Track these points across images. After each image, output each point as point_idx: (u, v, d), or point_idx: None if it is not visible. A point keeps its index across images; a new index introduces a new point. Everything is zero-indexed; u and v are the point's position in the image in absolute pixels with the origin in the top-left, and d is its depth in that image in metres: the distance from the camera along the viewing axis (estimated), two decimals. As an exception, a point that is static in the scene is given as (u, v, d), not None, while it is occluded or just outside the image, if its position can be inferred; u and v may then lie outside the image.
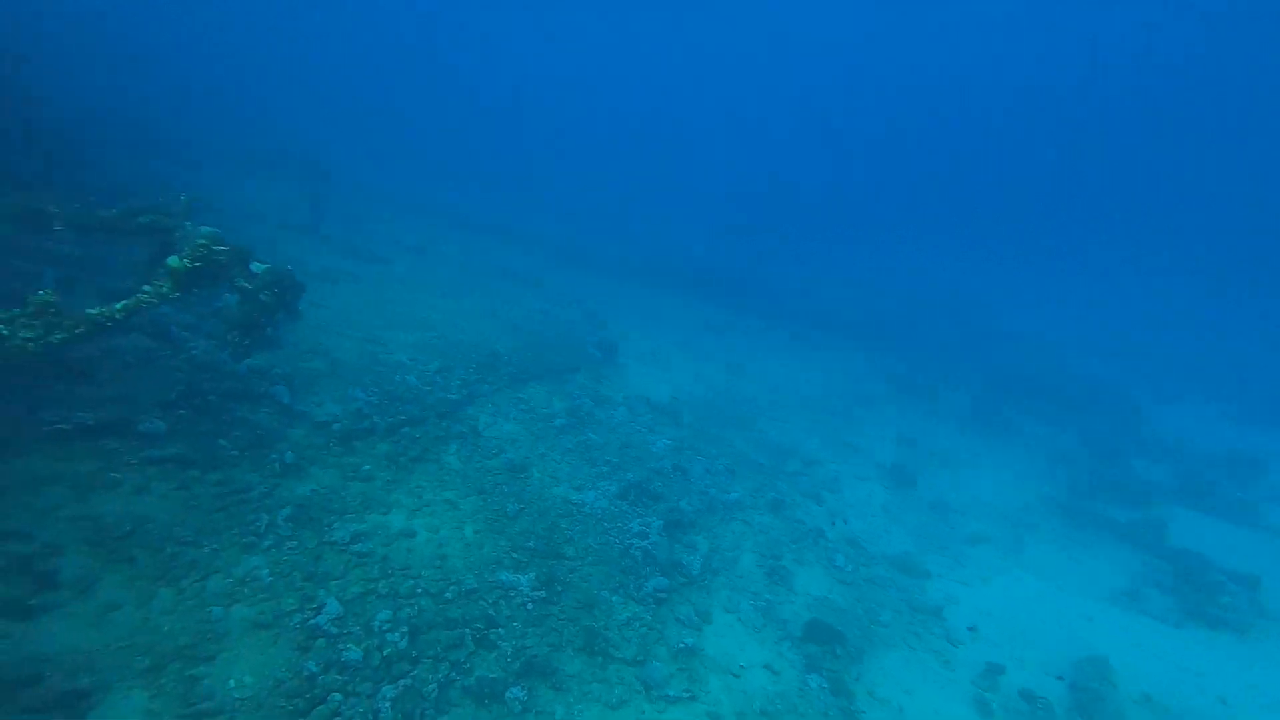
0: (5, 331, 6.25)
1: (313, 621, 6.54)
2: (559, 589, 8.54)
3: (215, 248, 8.08)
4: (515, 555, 8.78)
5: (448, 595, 7.68)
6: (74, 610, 5.73)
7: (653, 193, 56.80)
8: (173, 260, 7.51)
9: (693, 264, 35.78)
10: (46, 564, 5.97)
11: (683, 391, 17.59)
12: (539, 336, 17.03)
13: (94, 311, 6.80)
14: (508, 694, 6.77)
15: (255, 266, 8.65)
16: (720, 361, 22.19)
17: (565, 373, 15.24)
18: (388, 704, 6.04)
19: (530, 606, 8.05)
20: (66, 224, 8.67)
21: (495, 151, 55.16)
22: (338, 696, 5.91)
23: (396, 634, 6.78)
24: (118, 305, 6.98)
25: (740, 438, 16.12)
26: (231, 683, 5.68)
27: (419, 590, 7.57)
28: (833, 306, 35.73)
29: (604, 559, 9.46)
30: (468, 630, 7.30)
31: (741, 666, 8.63)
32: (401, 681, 6.35)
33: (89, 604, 5.83)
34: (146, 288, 7.32)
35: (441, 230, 26.58)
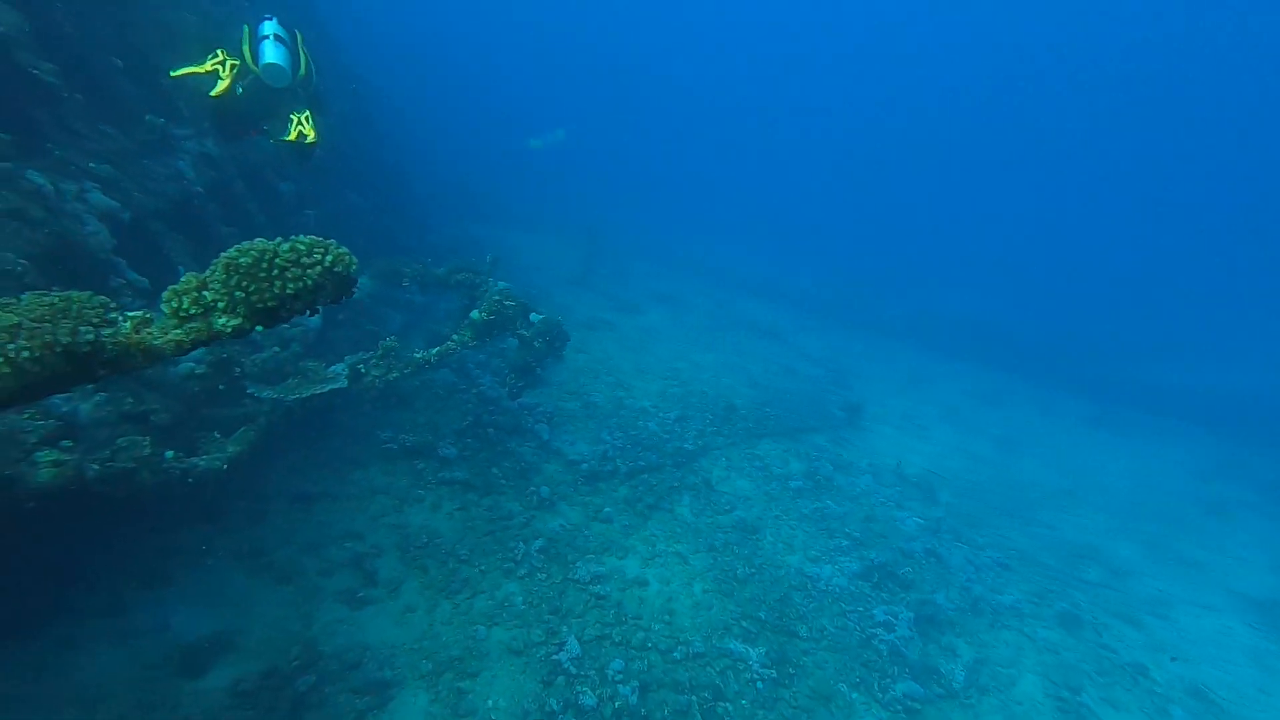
0: (362, 369, 8.11)
1: (555, 657, 7.06)
2: (791, 671, 7.99)
3: (506, 303, 9.55)
4: (745, 624, 8.48)
5: (676, 655, 7.69)
6: (386, 607, 7.02)
7: (918, 241, 52.87)
8: (474, 314, 9.07)
9: (962, 319, 32.07)
10: (372, 563, 7.45)
11: (940, 465, 15.63)
12: (779, 392, 16.73)
13: (418, 355, 8.51)
14: (733, 781, 6.45)
15: (533, 317, 9.99)
16: (991, 435, 19.32)
17: (804, 432, 14.66)
18: (616, 760, 6.17)
19: (760, 686, 7.65)
20: (413, 280, 11.06)
21: (744, 196, 56.74)
22: (574, 741, 6.22)
23: (628, 687, 6.96)
24: (433, 351, 8.64)
25: (1015, 529, 13.67)
26: (490, 702, 6.36)
27: (649, 644, 7.71)
28: (1155, 377, 28.86)
29: (842, 646, 8.64)
30: (695, 698, 7.19)
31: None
32: (631, 740, 6.46)
33: (395, 603, 7.10)
34: (455, 336, 8.94)
35: (691, 281, 27.83)
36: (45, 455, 4.74)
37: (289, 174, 11.65)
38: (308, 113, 6.62)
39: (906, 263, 44.20)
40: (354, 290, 3.00)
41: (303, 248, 2.65)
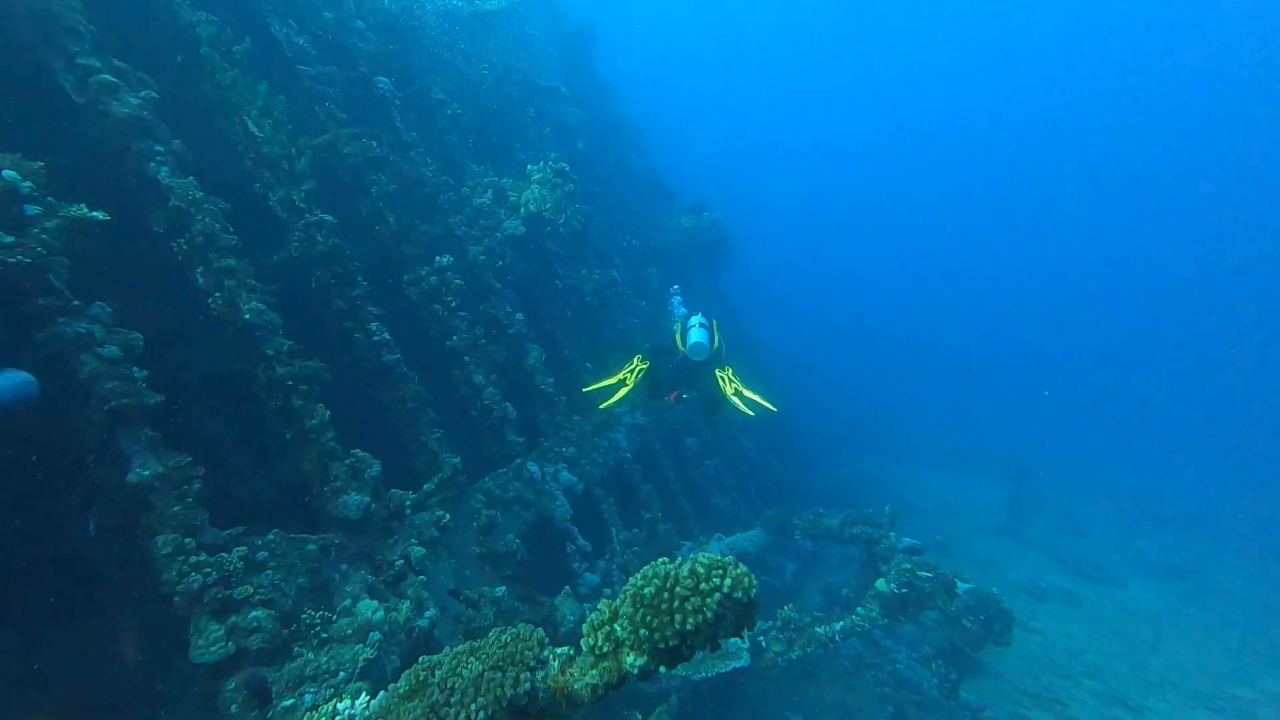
0: (763, 643, 7.88)
1: None
2: None
3: (920, 575, 8.39)
4: None
5: None
6: None
7: None
8: (881, 585, 8.19)
9: None
10: None
11: None
12: None
13: (820, 631, 7.93)
14: None
15: (961, 586, 8.51)
16: None
17: None
18: None
19: None
20: (804, 533, 10.93)
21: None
22: None
23: None
24: (837, 626, 7.95)
25: None
26: None
27: None
28: None
29: None
30: None
31: None
32: None
33: None
34: (860, 610, 8.14)
35: (1206, 544, 19.37)
36: None
37: (695, 430, 13.52)
38: (730, 369, 7.72)
39: None
40: (754, 621, 2.83)
41: (701, 570, 2.66)
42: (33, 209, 3.37)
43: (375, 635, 4.29)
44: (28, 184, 3.32)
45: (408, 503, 5.72)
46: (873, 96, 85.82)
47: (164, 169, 4.82)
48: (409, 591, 5.16)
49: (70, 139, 4.89)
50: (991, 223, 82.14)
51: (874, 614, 7.87)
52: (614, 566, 8.57)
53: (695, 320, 8.31)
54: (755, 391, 7.30)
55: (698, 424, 13.32)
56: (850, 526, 10.25)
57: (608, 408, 7.76)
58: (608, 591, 8.15)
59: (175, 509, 3.89)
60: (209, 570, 3.83)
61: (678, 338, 8.37)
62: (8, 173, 3.22)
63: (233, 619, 3.84)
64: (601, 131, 15.91)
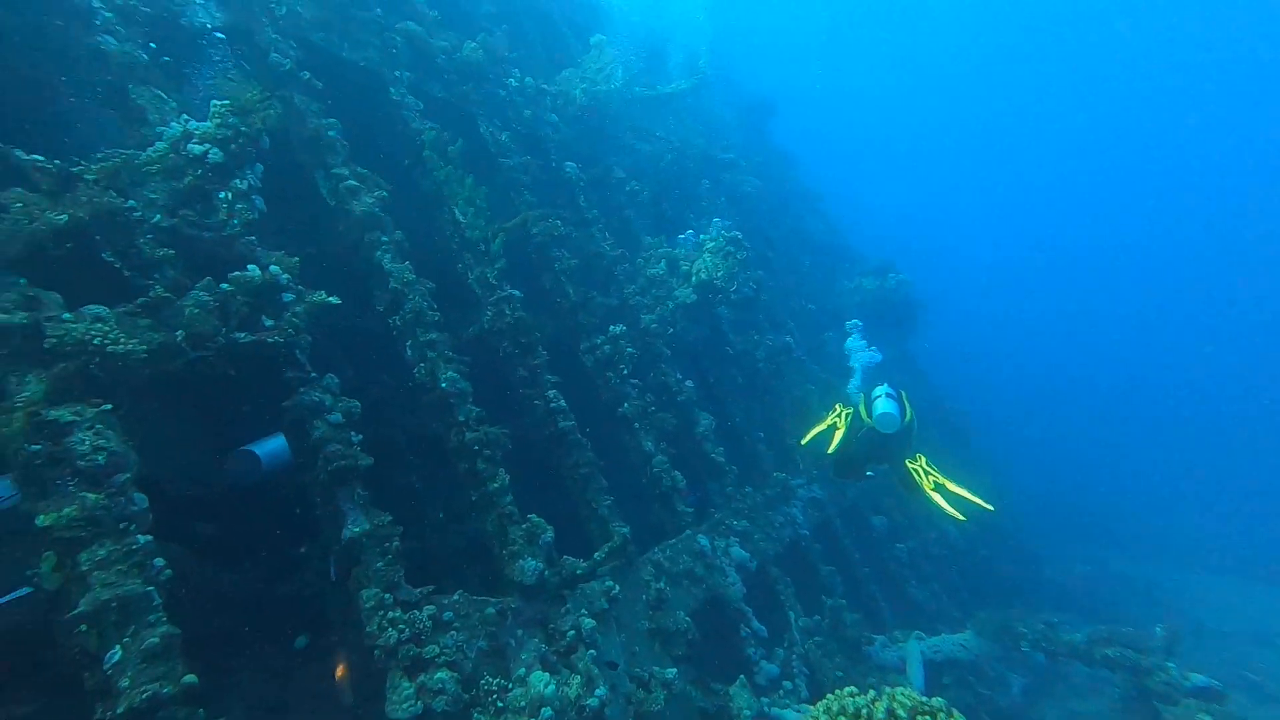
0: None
1: None
2: None
3: None
4: None
5: None
6: None
7: None
8: None
9: None
10: None
11: None
12: None
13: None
14: None
15: None
16: None
17: None
18: None
19: None
20: (1033, 645, 9.24)
21: None
22: None
23: None
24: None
25: None
26: None
27: None
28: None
29: None
30: None
31: None
32: None
33: None
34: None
35: None
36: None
37: (882, 506, 12.32)
38: (924, 458, 6.97)
39: None
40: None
41: (903, 714, 2.21)
42: (288, 297, 4.00)
43: (547, 711, 4.26)
44: (285, 276, 3.97)
45: (578, 570, 5.74)
46: (1075, 132, 77.40)
47: (387, 256, 5.56)
48: (580, 665, 5.11)
49: (326, 234, 5.86)
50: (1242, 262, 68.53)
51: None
52: (794, 656, 7.90)
53: (882, 390, 7.71)
54: (960, 483, 6.36)
55: (885, 501, 12.18)
56: (1102, 646, 8.43)
57: (829, 456, 7.39)
58: (787, 684, 7.49)
59: (379, 565, 4.24)
60: (403, 627, 4.08)
61: (862, 409, 7.77)
62: (273, 268, 3.87)
63: (421, 678, 4.02)
64: (778, 198, 15.96)
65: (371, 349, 6.21)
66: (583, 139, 9.93)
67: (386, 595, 4.14)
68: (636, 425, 7.94)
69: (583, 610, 5.59)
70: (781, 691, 7.36)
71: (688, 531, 7.70)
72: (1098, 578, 17.34)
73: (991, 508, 5.91)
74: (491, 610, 4.87)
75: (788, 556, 9.26)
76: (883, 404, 7.41)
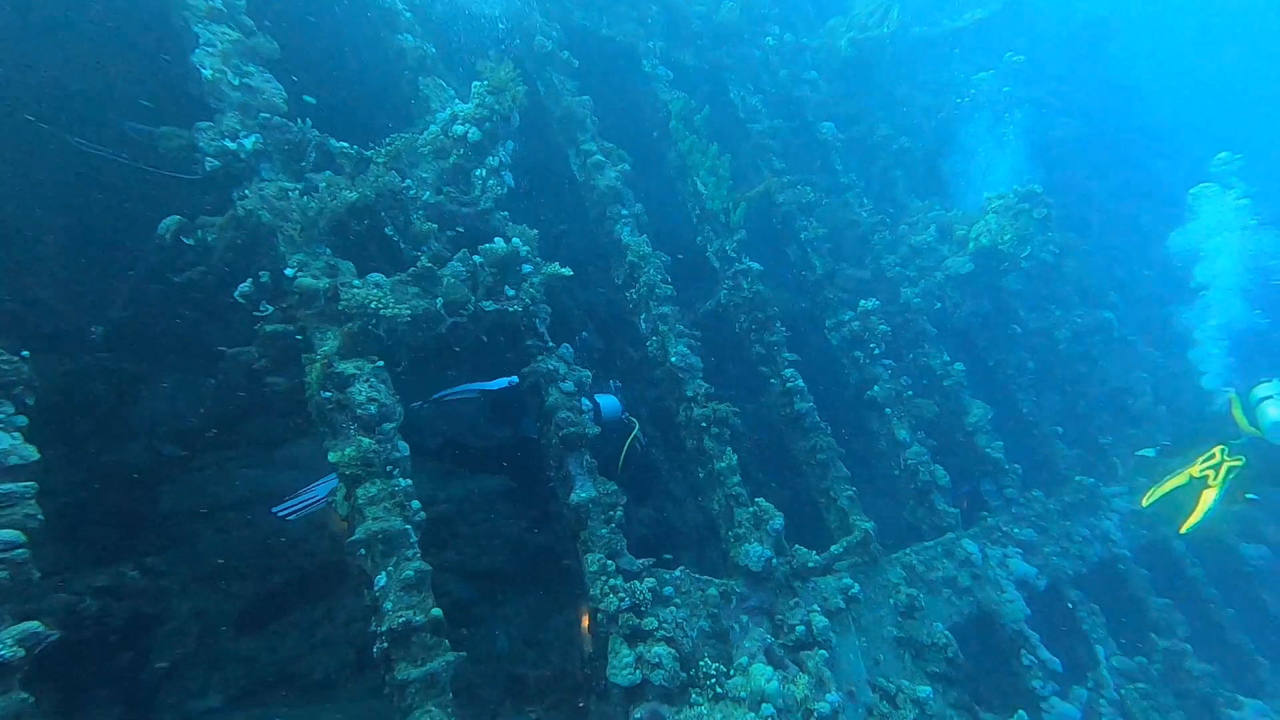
0: None
1: None
2: None
3: None
4: None
5: None
6: None
7: None
8: None
9: None
10: None
11: None
12: None
13: None
14: None
15: None
16: None
17: None
18: None
19: None
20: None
21: None
22: None
23: None
24: None
25: None
26: None
27: None
28: None
29: None
30: None
31: None
32: None
33: None
34: None
35: None
36: None
37: (1261, 533, 9.04)
38: None
39: None
40: None
41: None
42: (527, 268, 4.19)
43: (769, 709, 3.88)
44: (525, 248, 4.15)
45: (810, 563, 5.18)
46: None
47: (625, 229, 5.58)
48: (809, 664, 4.60)
49: (575, 208, 6.15)
50: None
51: None
52: (1101, 699, 6.27)
53: (1272, 389, 6.08)
54: None
55: (1269, 528, 8.94)
56: None
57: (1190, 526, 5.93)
58: (1093, 732, 5.97)
59: (602, 531, 4.27)
60: (624, 595, 4.04)
61: (1237, 414, 6.30)
62: (515, 240, 4.07)
63: (640, 648, 3.96)
64: (1108, 142, 12.67)
65: (622, 323, 6.37)
66: (847, 96, 8.92)
67: (610, 562, 4.14)
68: (888, 411, 6.95)
69: (815, 606, 5.03)
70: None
71: (951, 535, 6.53)
72: None
73: None
74: (714, 591, 4.61)
75: (1095, 580, 7.36)
76: (1277, 407, 5.94)
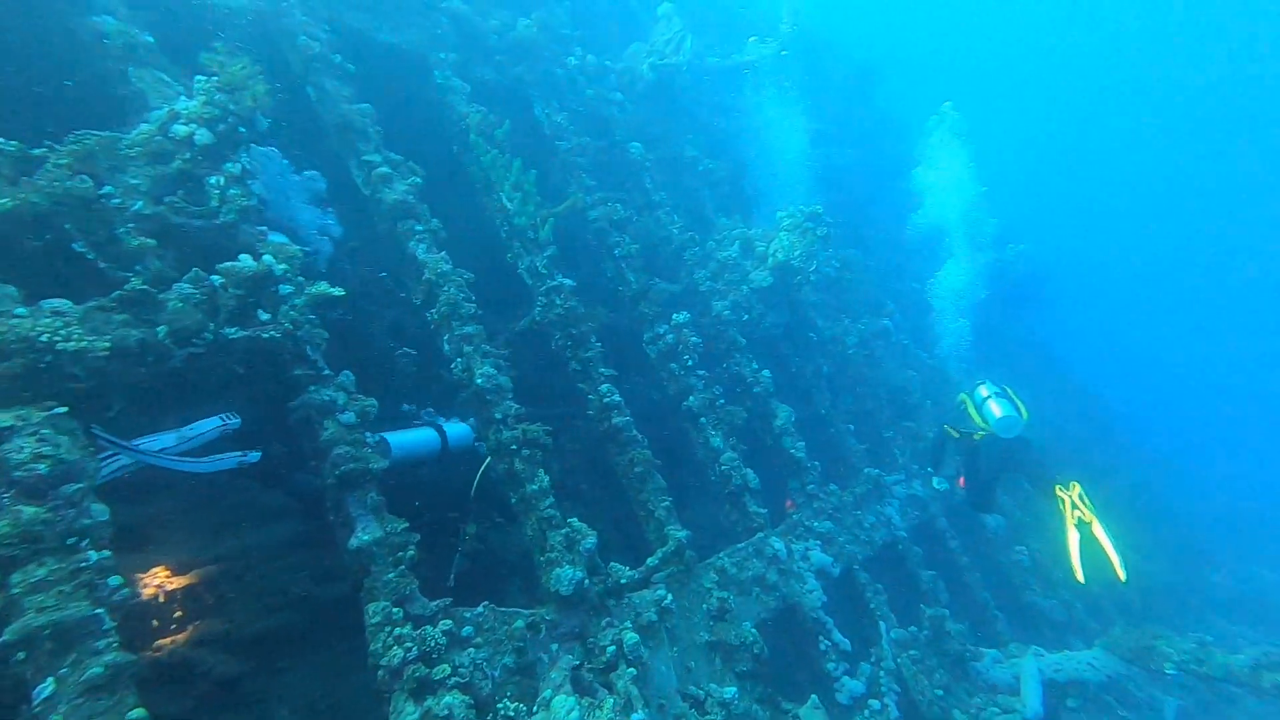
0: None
1: None
2: None
3: None
4: None
5: None
6: None
7: None
8: None
9: None
10: None
11: None
12: None
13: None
14: None
15: None
16: None
17: None
18: None
19: None
20: (1181, 667, 7.51)
21: None
22: None
23: None
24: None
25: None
26: None
27: None
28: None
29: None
30: None
31: None
32: None
33: None
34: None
35: None
36: None
37: (1000, 505, 10.62)
38: (1080, 487, 6.10)
39: None
40: None
41: None
42: (286, 288, 3.61)
43: (564, 743, 3.63)
44: (282, 266, 3.58)
45: (623, 579, 5.07)
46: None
47: (421, 246, 5.12)
48: (618, 685, 4.45)
49: (363, 224, 5.55)
50: None
51: None
52: (882, 672, 6.80)
53: (990, 389, 6.98)
54: (1112, 532, 5.38)
55: (1004, 499, 10.52)
56: (1272, 671, 6.71)
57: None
58: (874, 704, 6.43)
59: (389, 575, 3.79)
60: (410, 645, 3.60)
61: (972, 413, 7.12)
62: (267, 258, 3.49)
63: (429, 701, 3.53)
64: (881, 170, 14.26)
65: (414, 345, 5.85)
66: (653, 118, 9.13)
67: (395, 610, 3.67)
68: (703, 420, 7.12)
69: (627, 623, 4.92)
70: (868, 712, 6.33)
71: (760, 534, 6.80)
72: (1270, 581, 14.45)
73: (1124, 577, 4.64)
74: (520, 624, 4.31)
75: (880, 561, 8.08)
76: (1001, 404, 6.76)
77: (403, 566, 3.82)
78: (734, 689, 5.17)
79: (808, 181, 9.49)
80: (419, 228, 5.20)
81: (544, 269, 6.27)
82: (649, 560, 5.60)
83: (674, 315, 7.32)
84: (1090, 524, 5.60)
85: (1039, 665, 7.60)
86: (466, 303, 5.20)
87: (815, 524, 7.51)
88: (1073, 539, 5.47)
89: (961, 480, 7.48)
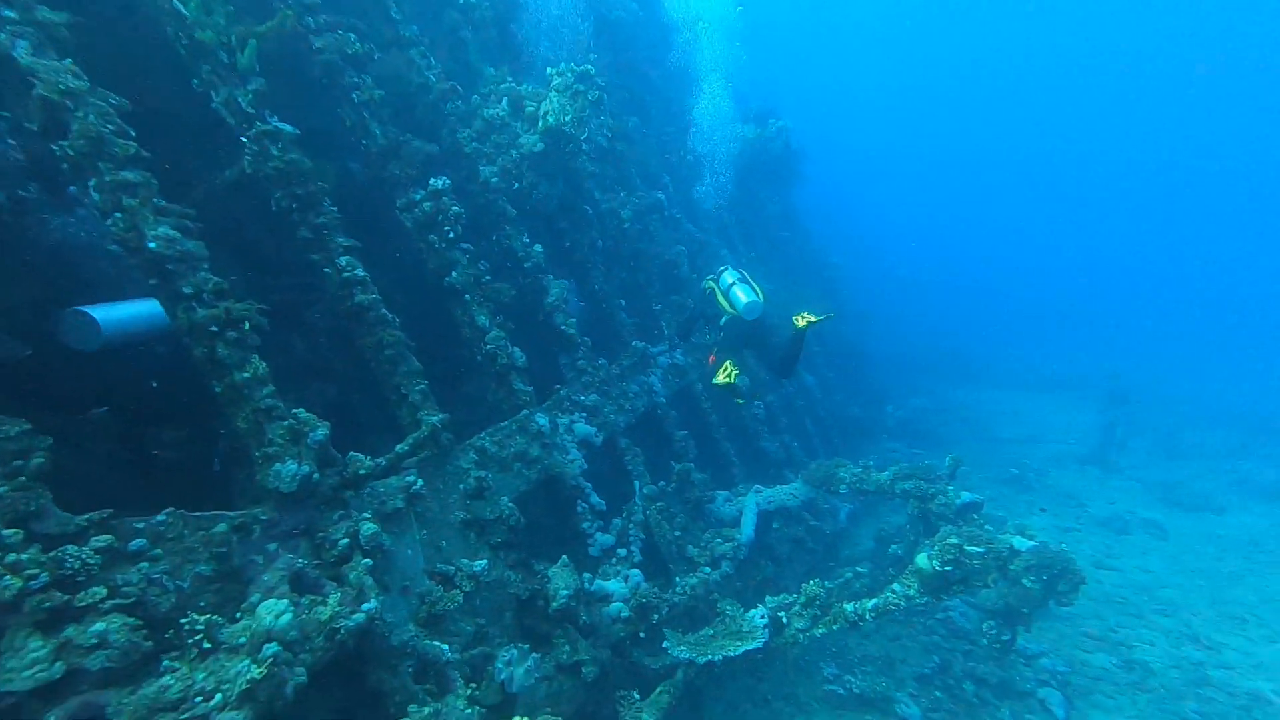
0: (784, 618, 6.67)
1: None
2: None
3: (969, 549, 6.81)
4: None
5: None
6: None
7: None
8: (921, 560, 6.68)
9: None
10: None
11: None
12: None
13: (849, 608, 6.56)
14: None
15: (1019, 543, 6.92)
16: None
17: None
18: None
19: None
20: (850, 487, 9.38)
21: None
22: None
23: None
24: (869, 605, 6.56)
25: None
26: None
27: None
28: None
29: None
30: None
31: None
32: None
33: None
34: (896, 587, 6.72)
35: None
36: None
37: (748, 367, 11.92)
38: (730, 361, 7.65)
39: None
40: None
41: None
42: None
43: (272, 648, 3.27)
44: None
45: (362, 470, 4.64)
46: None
47: (21, 44, 3.56)
48: (351, 577, 4.17)
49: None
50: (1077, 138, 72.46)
51: (912, 592, 6.44)
52: (631, 525, 7.42)
53: (733, 277, 7.58)
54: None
55: (752, 362, 11.81)
56: (901, 481, 8.64)
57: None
58: (621, 552, 7.06)
59: (2, 490, 2.90)
60: (36, 570, 2.84)
61: (719, 298, 7.67)
62: None
63: (70, 630, 2.88)
64: (664, 28, 13.40)
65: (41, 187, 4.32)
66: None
67: (9, 531, 2.84)
68: (468, 297, 6.59)
69: (366, 513, 4.58)
70: (614, 560, 6.95)
71: (524, 412, 6.72)
72: (930, 408, 18.82)
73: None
74: (224, 526, 3.72)
75: (641, 427, 8.62)
76: (744, 290, 7.37)
77: (23, 478, 2.94)
78: (485, 561, 5.22)
79: (586, 34, 8.63)
80: (9, 13, 3.57)
81: (250, 108, 4.92)
82: (398, 447, 5.19)
83: (431, 180, 6.41)
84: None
85: (757, 500, 8.98)
86: (119, 139, 3.85)
87: (582, 397, 7.65)
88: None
89: (711, 357, 8.08)
